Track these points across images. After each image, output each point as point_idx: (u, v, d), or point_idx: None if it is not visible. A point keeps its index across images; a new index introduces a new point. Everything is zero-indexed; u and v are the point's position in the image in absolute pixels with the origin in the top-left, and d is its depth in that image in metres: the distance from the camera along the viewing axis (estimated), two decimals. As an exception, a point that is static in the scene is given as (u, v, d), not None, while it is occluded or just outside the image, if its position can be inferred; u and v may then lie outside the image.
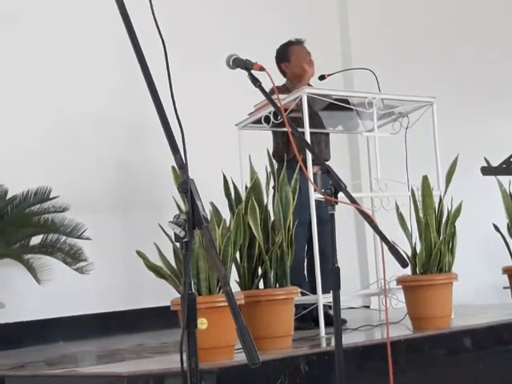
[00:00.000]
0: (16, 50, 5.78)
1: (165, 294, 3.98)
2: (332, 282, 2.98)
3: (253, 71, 2.98)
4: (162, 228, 3.46)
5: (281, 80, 5.47)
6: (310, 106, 4.86)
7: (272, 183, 4.29)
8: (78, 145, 6.01)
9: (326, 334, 4.52)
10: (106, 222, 5.96)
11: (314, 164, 4.70)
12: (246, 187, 4.22)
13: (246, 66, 2.99)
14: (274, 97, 3.17)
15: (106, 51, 5.99)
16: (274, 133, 5.40)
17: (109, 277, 5.85)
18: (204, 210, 1.88)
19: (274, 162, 4.53)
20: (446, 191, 4.78)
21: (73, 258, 5.32)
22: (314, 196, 4.67)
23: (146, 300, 5.99)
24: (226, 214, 4.03)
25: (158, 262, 3.80)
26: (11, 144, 5.66)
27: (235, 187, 4.22)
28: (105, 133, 6.15)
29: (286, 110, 4.61)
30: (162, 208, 5.42)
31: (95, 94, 6.07)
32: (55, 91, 5.88)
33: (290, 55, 5.54)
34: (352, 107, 5.20)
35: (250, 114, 5.11)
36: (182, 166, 1.88)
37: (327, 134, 5.60)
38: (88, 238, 5.33)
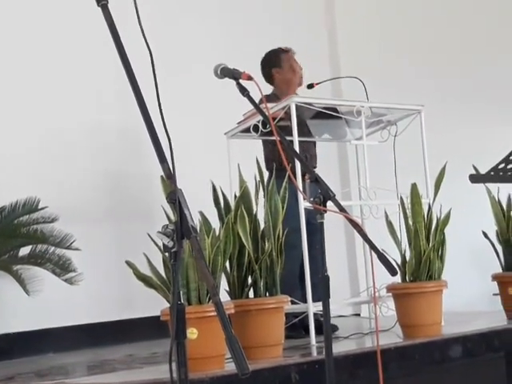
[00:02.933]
0: (8, 59, 5.77)
1: (155, 304, 3.96)
2: (322, 290, 2.98)
3: (241, 80, 2.98)
4: (151, 238, 3.45)
5: (268, 88, 5.47)
6: (298, 115, 4.86)
7: (261, 192, 4.29)
8: (67, 155, 6.00)
9: (317, 342, 4.52)
10: (95, 232, 5.94)
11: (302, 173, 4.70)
12: (236, 196, 4.22)
13: (234, 75, 2.99)
14: (263, 105, 3.17)
15: (98, 61, 5.97)
16: (264, 142, 5.40)
17: (99, 287, 5.83)
18: (192, 219, 1.87)
19: (266, 171, 4.53)
20: (434, 199, 4.79)
21: (62, 268, 5.30)
22: (304, 205, 4.67)
23: (137, 310, 5.97)
24: (215, 223, 4.03)
25: (148, 272, 3.80)
26: (-1, 154, 5.65)
27: (224, 196, 4.22)
28: (94, 143, 6.14)
29: (274, 119, 4.62)
30: (152, 218, 5.41)
31: (85, 104, 6.06)
32: (46, 101, 5.86)
33: (282, 61, 5.53)
34: (340, 116, 5.21)
35: (238, 123, 5.10)
36: (169, 176, 1.87)
37: (314, 143, 5.60)
38: (77, 249, 5.31)
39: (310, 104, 5.02)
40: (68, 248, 5.31)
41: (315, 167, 5.38)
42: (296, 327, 5.01)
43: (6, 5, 5.84)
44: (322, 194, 2.87)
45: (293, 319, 4.92)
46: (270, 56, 5.59)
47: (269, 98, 4.78)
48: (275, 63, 5.56)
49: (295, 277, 5.20)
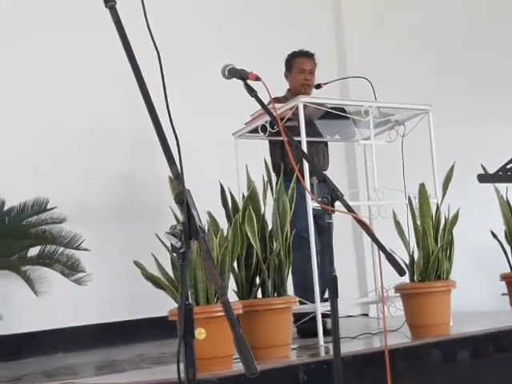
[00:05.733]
0: (12, 61, 5.79)
1: (164, 304, 3.97)
2: (330, 290, 2.97)
3: (249, 81, 2.98)
4: (159, 238, 3.45)
5: (280, 87, 5.46)
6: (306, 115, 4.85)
7: (269, 192, 4.29)
8: (75, 156, 6.01)
9: (325, 342, 4.52)
10: (103, 233, 5.95)
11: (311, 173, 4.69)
12: (243, 196, 4.22)
13: (242, 75, 2.99)
14: (270, 106, 3.17)
15: (104, 62, 5.99)
16: (272, 144, 5.38)
17: (107, 287, 5.84)
18: (200, 220, 1.87)
19: (274, 174, 4.51)
20: (443, 199, 4.78)
21: (71, 269, 5.31)
22: (312, 205, 4.67)
23: (145, 310, 5.98)
24: (223, 223, 4.03)
25: (157, 272, 3.80)
26: (8, 155, 5.66)
27: (232, 196, 4.22)
28: (102, 143, 6.15)
29: (282, 119, 4.62)
30: (160, 218, 5.39)
31: (92, 105, 6.07)
32: (52, 101, 5.88)
33: (292, 66, 5.51)
34: (348, 116, 5.20)
35: (246, 124, 5.10)
36: (177, 177, 1.87)
37: (326, 144, 5.60)
38: (86, 249, 5.31)
39: (317, 104, 5.02)
40: (77, 248, 5.31)
41: (325, 169, 5.37)
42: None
43: (9, 6, 5.85)
44: (330, 194, 2.86)
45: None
46: (287, 58, 5.57)
47: (277, 100, 4.77)
48: (287, 66, 5.55)
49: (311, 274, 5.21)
